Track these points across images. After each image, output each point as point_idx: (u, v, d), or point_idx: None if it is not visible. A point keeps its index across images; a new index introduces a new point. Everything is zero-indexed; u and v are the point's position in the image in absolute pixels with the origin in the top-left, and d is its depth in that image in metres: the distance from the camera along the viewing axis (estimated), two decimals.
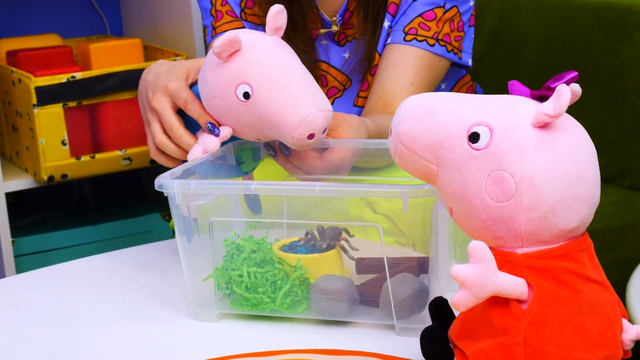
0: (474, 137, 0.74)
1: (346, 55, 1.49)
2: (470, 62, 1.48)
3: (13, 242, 1.87)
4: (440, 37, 1.42)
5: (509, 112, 0.74)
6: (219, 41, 1.00)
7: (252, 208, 1.08)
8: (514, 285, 0.72)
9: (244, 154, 1.11)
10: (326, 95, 1.51)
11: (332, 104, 1.52)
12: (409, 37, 1.42)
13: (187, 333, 0.97)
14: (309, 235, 1.00)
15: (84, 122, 1.84)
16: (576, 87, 0.76)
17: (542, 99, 0.75)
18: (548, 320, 0.71)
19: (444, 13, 1.43)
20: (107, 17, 2.26)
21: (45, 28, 2.17)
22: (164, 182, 0.95)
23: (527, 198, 0.72)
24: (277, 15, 1.05)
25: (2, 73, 1.89)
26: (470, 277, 0.71)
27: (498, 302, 0.73)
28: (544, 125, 0.73)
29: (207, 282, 0.98)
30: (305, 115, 0.99)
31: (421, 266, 0.97)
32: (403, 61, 1.41)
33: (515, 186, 0.72)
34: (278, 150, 1.09)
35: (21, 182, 1.85)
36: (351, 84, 1.50)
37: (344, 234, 0.99)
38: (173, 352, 0.94)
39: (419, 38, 1.42)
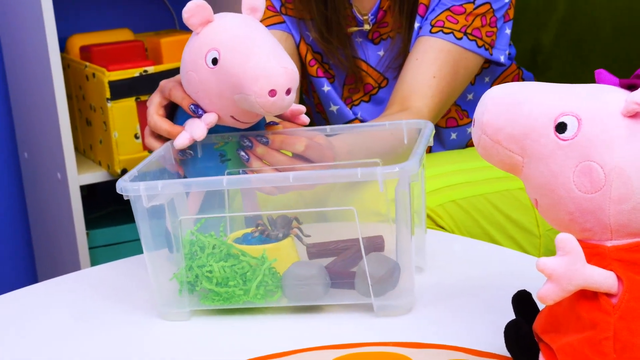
0: (561, 128, 0.73)
1: (381, 53, 1.48)
2: (502, 58, 1.44)
3: (87, 234, 1.90)
4: (469, 30, 1.39)
5: (597, 102, 0.73)
6: (187, 6, 1.01)
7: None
8: (603, 279, 0.71)
9: (228, 149, 1.08)
10: (362, 91, 1.51)
11: (368, 101, 1.51)
12: (435, 30, 1.39)
13: (178, 332, 0.96)
14: (261, 227, 1.00)
15: None
16: None
17: (631, 87, 0.73)
18: (639, 314, 0.70)
19: (474, 8, 1.40)
20: (176, 12, 2.28)
21: (117, 23, 2.19)
22: (124, 186, 0.94)
23: (617, 189, 0.71)
24: None
25: (76, 68, 1.92)
26: (558, 270, 0.70)
27: (586, 296, 0.71)
28: (634, 115, 0.71)
29: (173, 282, 0.97)
30: (264, 68, 0.97)
31: (372, 245, 0.98)
32: (426, 54, 1.39)
33: (604, 177, 0.71)
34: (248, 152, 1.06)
35: (95, 175, 1.87)
36: (387, 83, 1.49)
37: (294, 222, 1.00)
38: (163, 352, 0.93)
39: (445, 30, 1.39)
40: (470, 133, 1.55)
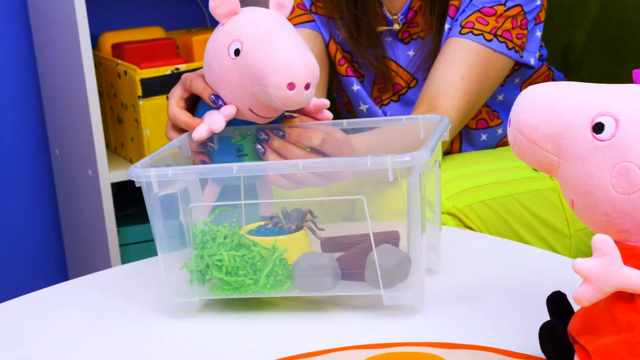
0: (598, 128, 0.72)
1: (410, 53, 1.47)
2: (532, 61, 1.43)
3: (118, 231, 1.91)
4: (499, 32, 1.38)
5: (635, 102, 0.72)
6: None
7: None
8: None
9: (245, 144, 1.08)
10: (391, 91, 1.50)
11: (397, 101, 1.51)
12: (464, 31, 1.38)
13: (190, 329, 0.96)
14: (275, 219, 1.00)
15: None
16: None
17: None
18: None
19: (505, 10, 1.38)
20: (207, 10, 2.28)
21: (148, 21, 2.20)
22: (136, 172, 0.94)
23: None
24: None
25: (108, 65, 1.92)
26: (594, 271, 0.69)
27: (623, 298, 0.71)
28: None
29: (185, 273, 0.98)
30: (285, 60, 0.97)
31: (386, 240, 0.98)
32: (455, 55, 1.38)
33: None
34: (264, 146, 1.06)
35: (126, 173, 1.88)
36: (417, 83, 1.48)
37: (308, 216, 1.00)
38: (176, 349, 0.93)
39: (475, 32, 1.38)
40: (500, 134, 1.54)
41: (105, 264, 1.89)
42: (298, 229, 1.00)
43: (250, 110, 1.03)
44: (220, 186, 1.04)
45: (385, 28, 1.46)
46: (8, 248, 2.23)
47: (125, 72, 1.84)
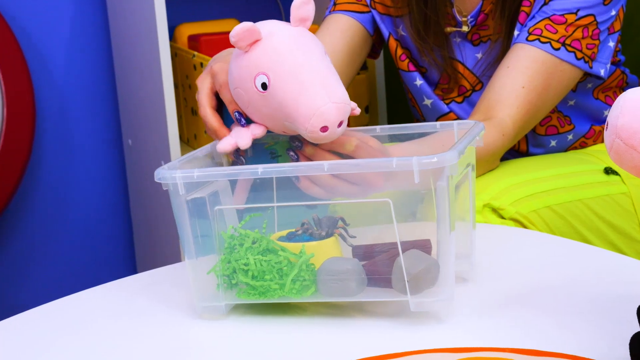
0: None
1: (479, 55, 1.44)
2: (602, 72, 1.38)
3: None
4: (568, 41, 1.33)
5: None
6: (235, 30, 0.97)
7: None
8: None
9: (278, 147, 1.07)
10: (456, 92, 1.47)
11: (461, 102, 1.48)
12: (531, 38, 1.34)
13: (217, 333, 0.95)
14: (306, 225, 0.99)
15: None
16: None
17: None
18: None
19: (576, 19, 1.34)
20: (282, 3, 2.28)
21: (224, 13, 2.21)
22: (163, 174, 0.93)
23: None
24: (302, 5, 1.00)
25: (184, 57, 1.93)
26: None
27: None
28: None
29: (211, 276, 0.96)
30: (317, 107, 0.95)
31: (417, 247, 0.95)
32: (519, 62, 1.34)
33: None
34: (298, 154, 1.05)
35: None
36: (482, 86, 1.45)
37: (340, 223, 0.98)
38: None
39: (542, 39, 1.33)
40: (570, 140, 1.50)
41: (175, 256, 1.89)
42: (328, 235, 0.99)
43: (283, 132, 1.02)
44: (251, 180, 1.02)
45: (453, 29, 1.44)
46: (78, 237, 2.26)
47: (201, 64, 1.84)
